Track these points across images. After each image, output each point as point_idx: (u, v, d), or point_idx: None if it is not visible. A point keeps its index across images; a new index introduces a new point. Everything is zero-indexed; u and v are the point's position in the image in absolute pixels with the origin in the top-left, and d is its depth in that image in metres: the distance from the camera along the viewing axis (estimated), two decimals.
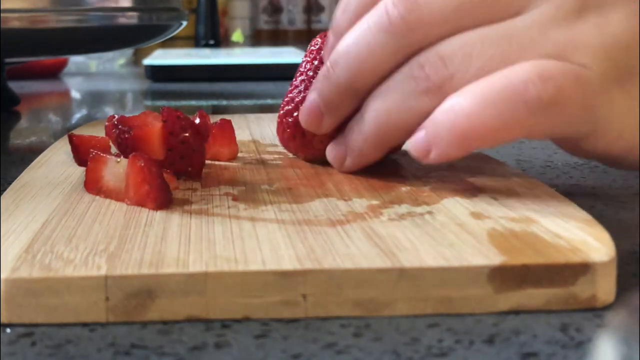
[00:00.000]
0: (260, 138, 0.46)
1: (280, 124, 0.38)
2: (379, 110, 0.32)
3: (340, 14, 0.34)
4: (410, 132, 0.31)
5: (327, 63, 0.34)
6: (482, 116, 0.29)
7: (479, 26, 0.31)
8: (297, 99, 0.37)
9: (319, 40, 0.37)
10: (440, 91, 0.30)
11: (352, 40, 0.33)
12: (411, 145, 0.31)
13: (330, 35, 0.35)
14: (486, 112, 0.29)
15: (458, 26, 0.31)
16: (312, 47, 0.37)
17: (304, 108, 0.35)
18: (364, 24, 0.32)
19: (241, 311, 0.23)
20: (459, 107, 0.29)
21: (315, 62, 0.37)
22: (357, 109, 0.34)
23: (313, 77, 0.36)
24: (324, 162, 0.37)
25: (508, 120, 0.29)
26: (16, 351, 0.22)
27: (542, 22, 0.30)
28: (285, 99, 0.37)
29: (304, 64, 0.37)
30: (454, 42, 0.31)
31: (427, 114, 0.30)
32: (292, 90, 0.37)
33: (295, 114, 0.37)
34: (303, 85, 0.37)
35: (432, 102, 0.31)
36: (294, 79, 0.37)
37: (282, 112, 0.37)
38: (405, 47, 0.32)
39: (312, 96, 0.35)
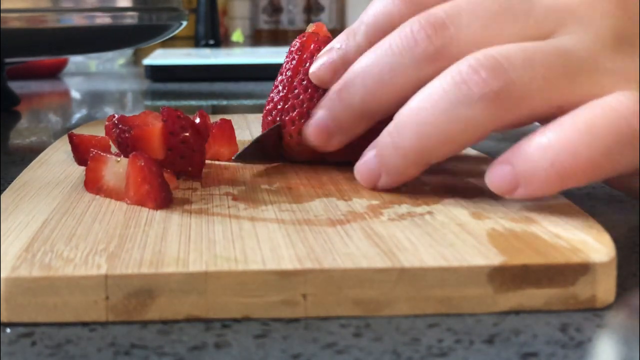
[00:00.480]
0: None
1: (262, 124, 0.38)
2: (421, 122, 0.29)
3: (353, 30, 0.34)
4: (458, 144, 0.29)
5: (341, 82, 0.33)
6: (589, 153, 0.26)
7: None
8: (275, 99, 0.37)
9: (298, 41, 0.37)
10: (498, 98, 0.28)
11: (371, 60, 0.31)
12: (493, 180, 0.28)
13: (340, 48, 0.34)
14: (593, 148, 0.26)
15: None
16: (292, 48, 0.37)
17: (311, 124, 0.34)
18: (386, 44, 0.31)
19: (241, 311, 0.23)
20: (559, 144, 0.27)
21: (294, 63, 0.37)
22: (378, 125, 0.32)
23: (291, 78, 0.36)
24: (307, 162, 0.37)
25: (616, 156, 0.27)
26: (16, 351, 0.22)
27: (586, 48, 0.29)
28: (267, 99, 0.37)
29: (284, 65, 0.37)
30: (509, 48, 0.28)
31: (478, 125, 0.28)
32: (273, 90, 0.37)
33: (274, 112, 0.37)
34: (282, 85, 0.37)
35: (486, 111, 0.28)
36: (275, 79, 0.38)
37: (264, 111, 0.38)
38: (431, 73, 0.30)
39: (320, 113, 0.34)
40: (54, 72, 1.06)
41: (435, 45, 0.30)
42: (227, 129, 0.39)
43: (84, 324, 0.23)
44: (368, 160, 0.32)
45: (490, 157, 0.38)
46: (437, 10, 0.30)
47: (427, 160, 0.30)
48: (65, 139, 0.42)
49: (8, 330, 0.23)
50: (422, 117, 0.29)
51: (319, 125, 0.34)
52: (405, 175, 0.31)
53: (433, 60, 0.30)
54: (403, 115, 0.30)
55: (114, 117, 0.35)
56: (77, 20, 0.60)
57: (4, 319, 0.23)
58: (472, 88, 0.28)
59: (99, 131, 0.40)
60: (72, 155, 0.37)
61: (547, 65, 0.28)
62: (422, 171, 0.31)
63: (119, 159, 0.31)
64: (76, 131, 0.41)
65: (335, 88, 0.33)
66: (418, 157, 0.30)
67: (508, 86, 0.28)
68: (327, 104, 0.33)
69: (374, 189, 0.32)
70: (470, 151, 0.40)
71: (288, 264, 0.24)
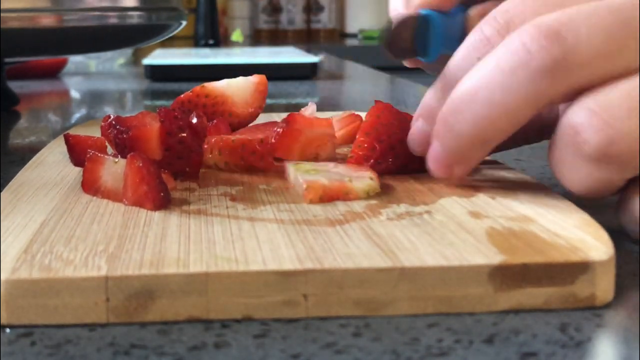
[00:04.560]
0: None
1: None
2: (477, 101, 0.28)
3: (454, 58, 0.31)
4: (518, 118, 0.28)
5: (446, 109, 0.29)
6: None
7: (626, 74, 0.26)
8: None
9: None
10: (557, 66, 0.26)
11: (477, 81, 0.28)
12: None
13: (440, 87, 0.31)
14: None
15: (609, 70, 0.26)
16: None
17: (429, 158, 0.31)
18: (491, 62, 0.28)
19: (242, 311, 0.23)
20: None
21: None
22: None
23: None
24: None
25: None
26: (16, 351, 0.22)
27: None
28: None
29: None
30: (570, 12, 0.27)
31: (538, 94, 0.27)
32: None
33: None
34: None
35: (545, 80, 0.27)
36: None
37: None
38: (551, 91, 0.27)
39: (434, 146, 0.30)
40: (53, 72, 1.06)
41: (553, 56, 0.26)
42: (223, 129, 0.39)
43: (84, 325, 0.23)
44: (434, 154, 0.31)
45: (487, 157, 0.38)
46: (546, 19, 0.27)
47: (490, 141, 0.29)
48: (60, 140, 0.42)
49: (8, 330, 0.23)
50: (479, 96, 0.28)
51: (435, 158, 0.31)
52: (475, 159, 0.30)
53: (552, 74, 0.27)
54: (456, 97, 0.29)
55: (110, 117, 0.35)
56: (76, 20, 0.60)
57: (4, 321, 0.23)
58: (530, 57, 0.27)
59: (93, 131, 0.40)
60: (67, 155, 0.37)
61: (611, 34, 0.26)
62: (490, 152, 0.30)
63: (116, 160, 0.31)
64: (71, 131, 0.41)
65: (441, 116, 0.30)
66: (480, 140, 0.29)
67: (567, 54, 0.26)
68: (438, 133, 0.30)
69: (454, 182, 0.32)
70: None
71: (289, 264, 0.24)
